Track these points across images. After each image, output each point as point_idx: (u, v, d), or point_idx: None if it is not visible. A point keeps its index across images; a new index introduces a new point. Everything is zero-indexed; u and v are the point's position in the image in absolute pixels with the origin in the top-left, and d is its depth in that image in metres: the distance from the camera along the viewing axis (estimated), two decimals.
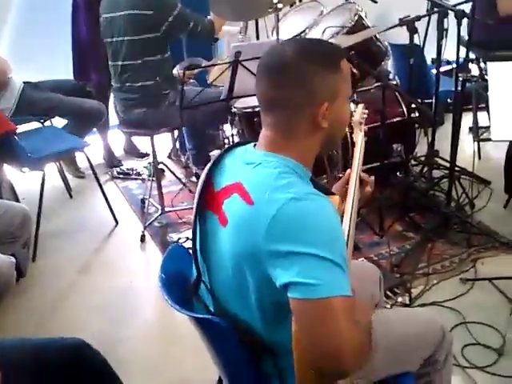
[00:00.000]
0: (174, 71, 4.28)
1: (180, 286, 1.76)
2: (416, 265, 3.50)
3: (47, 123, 4.75)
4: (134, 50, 3.89)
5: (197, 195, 1.63)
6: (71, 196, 4.80)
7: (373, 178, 2.09)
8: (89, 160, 4.21)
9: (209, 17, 4.12)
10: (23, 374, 1.75)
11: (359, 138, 2.31)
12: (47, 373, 1.80)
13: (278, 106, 1.51)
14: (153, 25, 3.82)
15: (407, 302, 3.15)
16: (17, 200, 3.93)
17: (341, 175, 3.81)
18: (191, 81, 4.60)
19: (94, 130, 5.09)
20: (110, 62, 4.08)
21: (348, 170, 2.04)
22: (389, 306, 3.08)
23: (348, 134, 3.76)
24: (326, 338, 1.31)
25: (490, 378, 2.64)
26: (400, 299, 3.17)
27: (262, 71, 1.54)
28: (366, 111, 2.47)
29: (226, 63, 3.55)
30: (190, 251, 1.66)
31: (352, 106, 3.50)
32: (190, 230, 1.65)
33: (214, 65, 4.10)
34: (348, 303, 1.33)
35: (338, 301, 1.31)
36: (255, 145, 1.61)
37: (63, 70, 5.09)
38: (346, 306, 1.32)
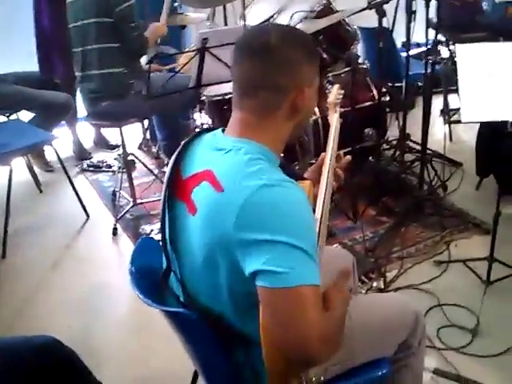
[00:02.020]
0: (143, 60, 4.23)
1: (151, 278, 1.73)
2: (390, 249, 3.50)
3: (13, 117, 4.67)
4: (91, 34, 3.87)
5: (165, 184, 1.61)
6: (41, 190, 4.72)
7: (349, 157, 2.07)
8: (57, 153, 4.14)
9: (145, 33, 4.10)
10: None
11: (334, 119, 2.28)
12: (17, 372, 1.76)
13: (261, 89, 1.49)
14: (107, 8, 3.79)
15: (382, 287, 3.15)
16: None
17: (313, 161, 3.80)
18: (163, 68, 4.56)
19: (63, 122, 5.02)
20: (73, 49, 4.03)
21: (322, 154, 2.02)
22: (364, 291, 3.08)
23: (319, 119, 3.76)
24: (293, 327, 1.29)
25: (465, 359, 2.65)
26: (375, 284, 3.17)
27: (243, 54, 1.52)
28: (342, 91, 2.45)
29: (193, 50, 3.50)
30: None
31: (328, 86, 3.48)
32: None
33: (181, 52, 4.06)
34: (316, 292, 1.32)
35: (307, 290, 1.29)
36: (223, 130, 1.58)
37: (27, 62, 4.99)
38: (314, 295, 1.30)
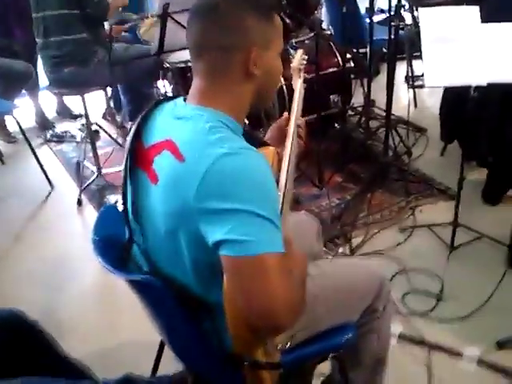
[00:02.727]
0: (105, 27, 4.16)
1: (114, 247, 1.71)
2: (356, 215, 3.52)
3: None
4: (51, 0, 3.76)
5: (125, 153, 1.58)
6: (3, 162, 4.67)
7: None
8: (19, 124, 4.10)
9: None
10: None
11: (298, 85, 2.25)
12: None
13: (207, 50, 1.46)
14: None
15: (348, 253, 3.18)
16: None
17: (273, 125, 3.79)
18: (123, 34, 4.48)
19: (24, 91, 4.93)
20: (33, 15, 3.92)
21: (285, 114, 2.00)
22: (330, 257, 3.10)
23: (284, 86, 3.73)
24: (258, 295, 1.28)
25: (430, 323, 2.69)
26: (341, 250, 3.20)
27: (192, 16, 1.49)
28: (306, 57, 2.42)
29: (154, 16, 3.45)
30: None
31: (291, 51, 3.45)
32: None
33: (143, 18, 4.00)
34: (281, 260, 1.31)
35: (271, 257, 1.28)
36: (185, 99, 1.56)
37: None
38: (278, 263, 1.29)
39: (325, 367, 2.19)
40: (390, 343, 2.07)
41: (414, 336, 2.60)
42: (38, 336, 1.89)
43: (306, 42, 4.09)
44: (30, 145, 4.15)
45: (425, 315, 2.73)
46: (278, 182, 1.63)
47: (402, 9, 3.93)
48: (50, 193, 4.17)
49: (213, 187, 1.30)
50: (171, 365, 1.93)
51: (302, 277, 1.47)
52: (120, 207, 1.76)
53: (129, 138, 1.59)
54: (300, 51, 2.43)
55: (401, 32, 3.71)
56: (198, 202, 1.31)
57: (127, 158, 1.57)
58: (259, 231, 1.28)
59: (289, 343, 1.64)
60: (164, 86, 4.06)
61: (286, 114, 2.00)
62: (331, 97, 4.15)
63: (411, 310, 2.76)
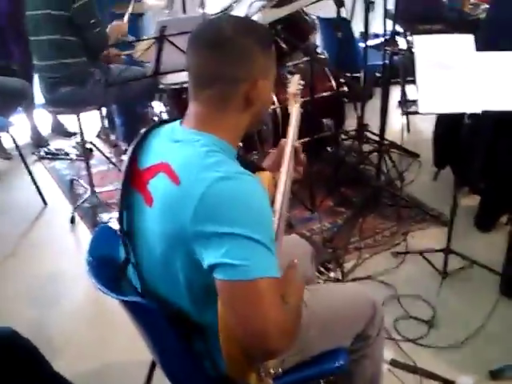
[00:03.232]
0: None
1: (108, 267, 1.72)
2: (348, 239, 3.53)
3: None
4: (49, 25, 3.75)
5: (123, 174, 1.59)
6: None
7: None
8: (14, 141, 4.10)
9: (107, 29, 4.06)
10: None
11: (294, 110, 2.26)
12: None
13: (212, 80, 1.47)
14: (63, 2, 3.67)
15: (340, 277, 3.17)
16: None
17: (271, 151, 3.80)
18: (123, 57, 4.51)
19: (19, 109, 4.94)
20: (30, 38, 3.93)
21: (282, 140, 2.01)
22: (322, 282, 3.10)
23: (279, 109, 3.76)
24: (251, 319, 1.29)
25: (421, 350, 2.69)
26: (333, 274, 3.18)
27: (197, 44, 1.50)
28: (302, 82, 2.44)
29: (151, 38, 3.47)
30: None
31: (287, 76, 3.47)
32: None
33: (139, 40, 4.02)
34: (275, 284, 1.32)
35: (265, 282, 1.29)
36: (181, 122, 1.57)
37: None
38: (272, 287, 1.30)
39: None
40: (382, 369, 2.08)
41: (406, 363, 2.60)
42: (29, 355, 1.89)
43: (301, 65, 4.11)
44: (24, 162, 4.15)
45: (416, 342, 2.73)
46: (272, 205, 1.64)
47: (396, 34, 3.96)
48: (43, 209, 4.16)
49: (208, 211, 1.31)
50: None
51: (299, 303, 1.48)
52: (114, 226, 1.77)
53: (125, 160, 1.60)
54: (297, 76, 2.45)
55: (395, 57, 3.73)
56: (194, 224, 1.32)
57: (124, 179, 1.57)
58: (254, 255, 1.29)
59: (280, 369, 1.64)
60: (159, 106, 4.07)
61: (283, 140, 2.01)
62: (324, 120, 4.16)
63: (403, 336, 2.76)
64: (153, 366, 2.15)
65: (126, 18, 4.37)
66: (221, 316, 1.35)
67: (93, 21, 3.76)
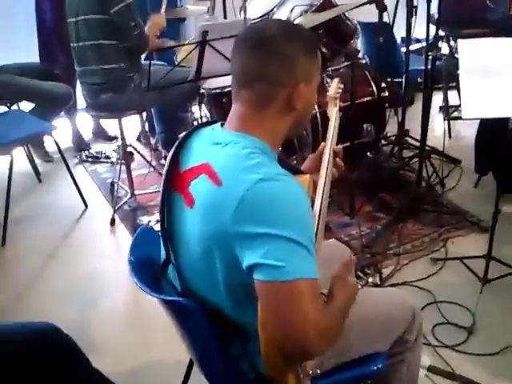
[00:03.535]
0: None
1: (149, 268, 1.74)
2: (387, 245, 3.50)
3: (14, 107, 4.66)
4: (90, 30, 3.79)
5: (163, 176, 1.61)
6: (40, 180, 4.74)
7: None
8: (57, 144, 4.16)
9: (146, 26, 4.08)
10: None
11: (333, 113, 2.26)
12: (16, 355, 1.76)
13: (258, 80, 1.49)
14: (104, 5, 3.70)
15: (378, 282, 3.15)
16: None
17: (310, 156, 3.79)
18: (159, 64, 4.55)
19: (62, 113, 5.02)
20: (71, 44, 3.98)
21: (322, 144, 2.01)
22: (360, 287, 3.06)
23: (318, 114, 3.75)
24: (290, 320, 1.30)
25: (460, 357, 2.65)
26: (371, 279, 3.16)
27: (243, 45, 1.52)
28: (342, 85, 2.44)
29: (193, 43, 3.49)
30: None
31: (327, 80, 3.48)
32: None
33: (181, 45, 4.05)
34: (313, 286, 1.32)
35: (304, 283, 1.30)
36: (222, 124, 1.58)
37: (28, 53, 5.01)
38: (311, 289, 1.31)
39: None
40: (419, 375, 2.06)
41: (444, 369, 2.56)
42: (71, 350, 1.91)
43: (342, 70, 4.10)
44: (66, 164, 4.20)
45: (455, 348, 2.70)
46: (312, 208, 1.64)
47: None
48: (84, 211, 4.22)
49: (249, 212, 1.32)
50: None
51: (346, 303, 1.48)
52: (155, 228, 1.79)
53: (166, 162, 1.62)
54: (336, 80, 2.46)
55: (437, 62, 3.69)
56: (234, 225, 1.33)
57: (165, 181, 1.59)
58: (293, 257, 1.30)
59: (318, 370, 1.64)
60: (201, 111, 4.09)
61: (323, 144, 2.00)
62: (364, 125, 4.14)
63: (441, 342, 2.72)
64: (190, 367, 2.17)
65: (163, 9, 4.40)
66: (260, 317, 1.36)
67: (133, 23, 3.79)
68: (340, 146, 2.00)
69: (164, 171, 1.62)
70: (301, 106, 1.53)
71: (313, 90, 1.58)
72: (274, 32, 1.47)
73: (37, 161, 4.87)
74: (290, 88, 1.48)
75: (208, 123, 1.67)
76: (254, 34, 1.52)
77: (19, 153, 4.36)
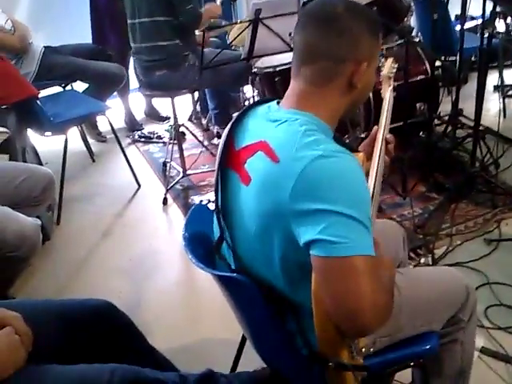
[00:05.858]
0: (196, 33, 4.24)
1: (203, 245, 1.76)
2: (439, 225, 3.47)
3: (68, 87, 4.75)
4: (145, 7, 3.86)
5: (218, 154, 1.62)
6: (93, 160, 4.84)
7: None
8: (110, 123, 4.22)
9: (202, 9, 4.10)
10: (50, 333, 1.75)
11: (387, 93, 2.25)
12: (74, 332, 1.80)
13: (318, 57, 1.49)
14: None
15: (430, 263, 3.13)
16: (40, 164, 3.93)
17: (363, 135, 3.77)
18: (212, 39, 4.57)
19: (115, 93, 5.09)
20: (128, 21, 4.04)
21: (375, 127, 2.00)
22: (412, 267, 3.06)
23: (371, 93, 3.72)
24: (346, 296, 1.30)
25: None
26: (423, 260, 3.15)
27: (308, 20, 1.52)
28: (396, 65, 2.41)
29: (246, 21, 3.50)
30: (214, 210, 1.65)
31: (381, 59, 3.44)
32: (212, 193, 1.64)
33: (234, 23, 4.06)
34: (371, 263, 1.32)
35: (361, 260, 1.30)
36: (278, 102, 1.59)
37: (81, 34, 5.10)
38: (368, 266, 1.31)
39: (403, 377, 2.19)
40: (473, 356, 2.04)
41: (497, 351, 2.54)
42: (128, 327, 1.95)
43: (395, 48, 4.05)
44: (120, 145, 4.27)
45: (508, 330, 2.66)
46: None
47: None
48: (136, 191, 4.30)
49: (307, 188, 1.32)
50: (251, 362, 1.97)
51: (391, 281, 1.48)
52: (210, 206, 1.81)
53: (221, 140, 1.63)
54: (390, 59, 2.42)
55: (493, 40, 3.61)
56: (292, 202, 1.33)
57: (219, 160, 1.61)
58: (351, 233, 1.30)
59: (372, 349, 1.64)
60: (253, 91, 4.10)
61: (375, 127, 1.99)
62: (417, 105, 4.09)
63: (494, 324, 2.69)
64: (242, 344, 2.18)
65: (218, 1, 4.43)
66: (315, 292, 1.36)
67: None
68: (392, 135, 1.98)
69: (219, 149, 1.63)
70: (361, 85, 1.52)
71: (373, 71, 1.58)
72: (341, 10, 1.47)
73: (90, 141, 4.97)
74: (352, 67, 1.48)
75: (263, 101, 1.66)
76: (320, 10, 1.51)
77: (73, 133, 4.44)
